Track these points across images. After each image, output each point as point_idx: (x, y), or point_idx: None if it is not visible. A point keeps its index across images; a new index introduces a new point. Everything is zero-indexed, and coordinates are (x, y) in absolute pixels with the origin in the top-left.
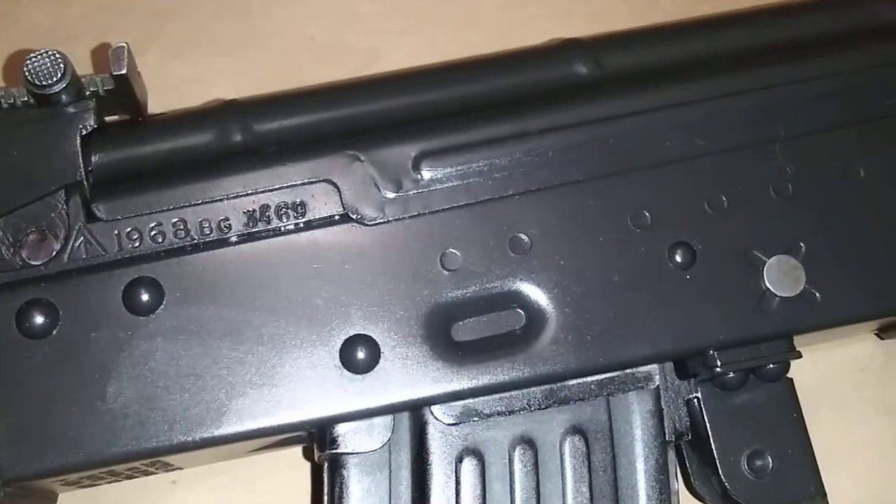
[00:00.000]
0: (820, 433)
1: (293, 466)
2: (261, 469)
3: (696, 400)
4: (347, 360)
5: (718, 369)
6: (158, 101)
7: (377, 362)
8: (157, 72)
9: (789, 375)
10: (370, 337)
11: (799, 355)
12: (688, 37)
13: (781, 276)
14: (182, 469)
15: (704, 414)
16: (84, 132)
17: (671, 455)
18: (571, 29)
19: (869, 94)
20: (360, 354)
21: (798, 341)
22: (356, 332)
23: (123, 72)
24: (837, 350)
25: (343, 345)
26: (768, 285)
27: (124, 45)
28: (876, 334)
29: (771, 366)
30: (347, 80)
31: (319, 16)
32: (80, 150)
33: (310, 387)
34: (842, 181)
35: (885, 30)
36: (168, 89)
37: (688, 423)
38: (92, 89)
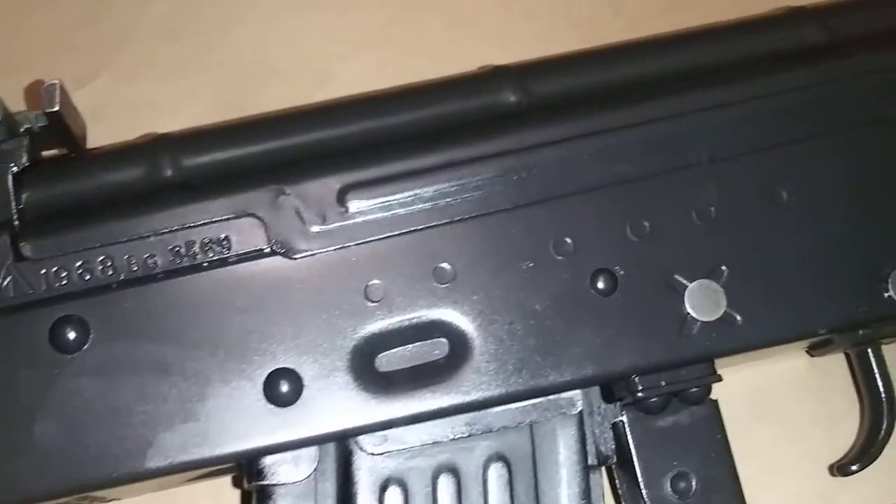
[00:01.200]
0: (759, 448)
1: (236, 493)
2: (202, 496)
3: (621, 423)
4: (271, 393)
5: (640, 394)
6: (110, 127)
7: (300, 395)
8: (109, 97)
9: (728, 392)
10: (293, 370)
11: (719, 378)
12: (615, 62)
13: (702, 301)
14: (119, 500)
15: (629, 437)
16: (16, 170)
17: (595, 479)
18: (515, 51)
19: (792, 116)
20: (284, 387)
21: (727, 361)
22: (280, 366)
23: (56, 109)
24: (777, 364)
25: (267, 378)
26: (689, 310)
27: (56, 82)
28: (807, 352)
29: (693, 389)
30: (277, 111)
31: (268, 40)
32: (11, 188)
33: (234, 420)
34: (765, 204)
35: (808, 52)
36: (119, 115)
37: (613, 447)
38: (26, 126)
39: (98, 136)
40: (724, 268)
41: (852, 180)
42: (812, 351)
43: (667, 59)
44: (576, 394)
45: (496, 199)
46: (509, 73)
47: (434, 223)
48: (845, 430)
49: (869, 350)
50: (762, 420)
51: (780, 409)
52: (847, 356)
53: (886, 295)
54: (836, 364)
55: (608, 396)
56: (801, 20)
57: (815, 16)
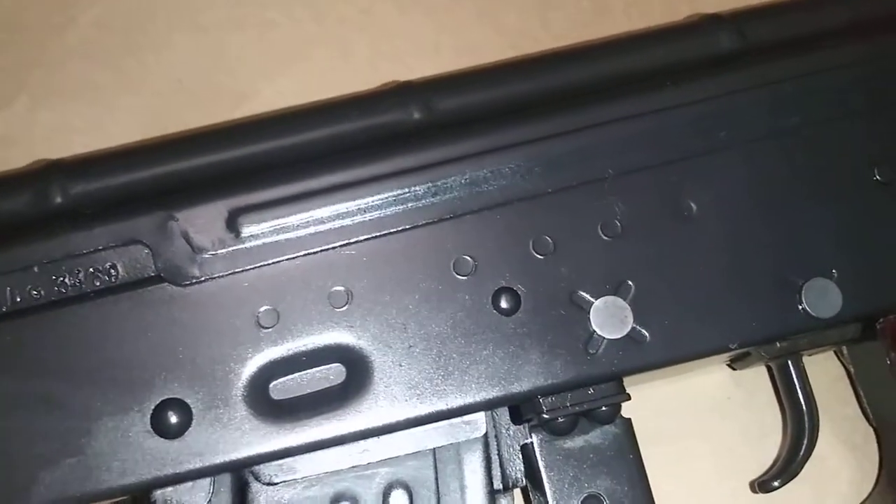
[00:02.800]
0: (683, 464)
1: None
2: None
3: (530, 445)
4: (159, 424)
5: (546, 415)
6: (26, 151)
7: (189, 426)
8: (25, 122)
9: (650, 407)
10: (182, 400)
11: (627, 398)
12: (518, 76)
13: (608, 318)
14: None
15: (538, 459)
16: None
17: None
18: (440, 65)
19: (699, 127)
20: (172, 419)
21: (644, 378)
22: (168, 396)
23: None
24: (701, 377)
25: (154, 409)
26: (595, 327)
27: None
28: (728, 365)
29: (602, 408)
30: (165, 136)
31: (188, 60)
32: None
33: (122, 454)
34: (672, 217)
35: (721, 60)
36: (36, 139)
37: (521, 470)
38: None
39: (13, 160)
40: (630, 283)
41: (762, 192)
42: (733, 364)
43: (573, 73)
44: (480, 416)
45: (394, 219)
46: (412, 89)
47: (329, 246)
48: (770, 445)
49: (789, 362)
50: (686, 435)
51: (703, 424)
52: (769, 369)
53: (801, 307)
54: (760, 376)
55: (517, 417)
56: (715, 28)
57: (729, 23)
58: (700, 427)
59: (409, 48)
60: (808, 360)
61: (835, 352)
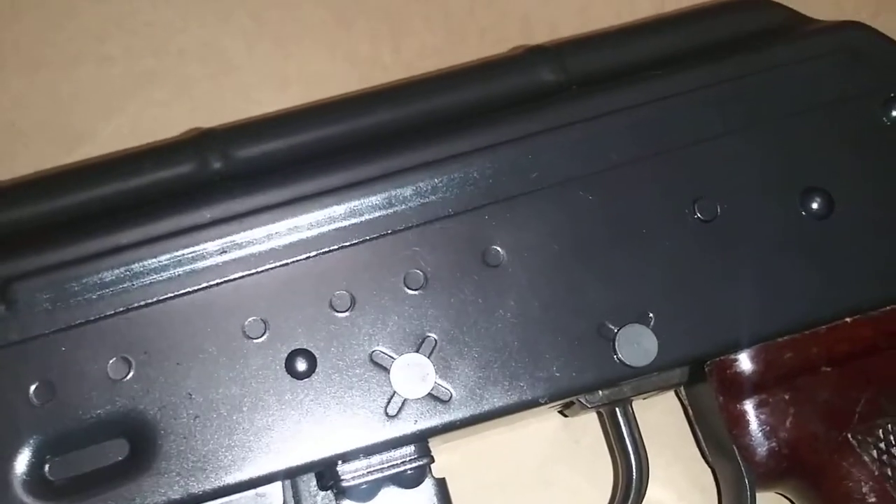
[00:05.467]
0: None
1: None
2: None
3: None
4: None
5: (344, 482)
6: None
7: None
8: None
9: (479, 457)
10: None
11: (431, 460)
12: (314, 124)
13: (409, 376)
14: None
15: None
16: None
17: None
18: (288, 96)
19: (508, 170)
20: None
21: (460, 433)
22: None
23: None
24: (531, 426)
25: None
26: (395, 387)
27: None
28: (560, 412)
29: (408, 472)
30: None
31: (22, 102)
32: None
33: None
34: (480, 266)
35: (544, 95)
36: None
37: None
38: None
39: None
40: (433, 338)
41: (575, 235)
42: (564, 411)
43: (375, 116)
44: (273, 488)
45: (172, 284)
46: (214, 136)
47: (109, 313)
48: (601, 494)
49: (617, 410)
50: (516, 486)
51: (533, 473)
52: (600, 415)
53: (615, 356)
54: (593, 423)
55: (321, 484)
56: (538, 61)
57: (551, 56)
58: (528, 476)
59: (252, 81)
60: (662, 398)
61: (675, 392)
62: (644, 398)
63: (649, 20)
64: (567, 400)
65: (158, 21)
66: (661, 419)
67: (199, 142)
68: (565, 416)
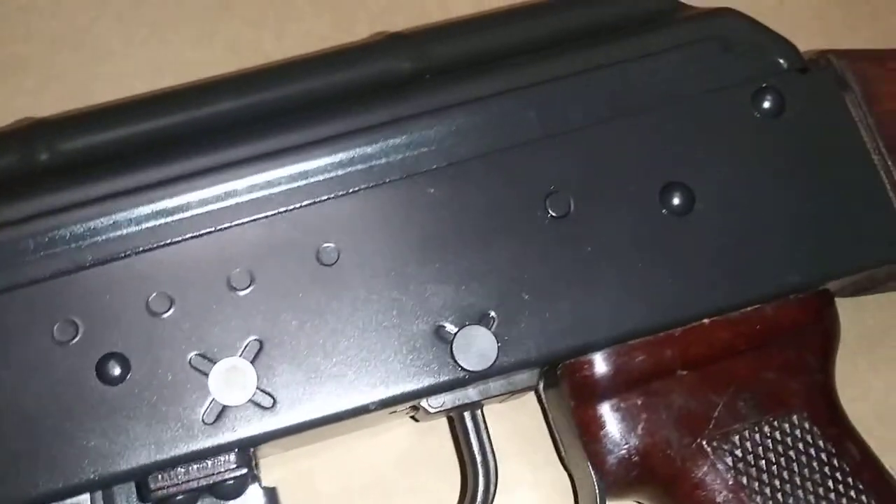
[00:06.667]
0: None
1: None
2: None
3: None
4: None
5: (156, 493)
6: None
7: None
8: None
9: (325, 467)
10: None
11: (251, 469)
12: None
13: (228, 382)
14: None
15: None
16: None
17: None
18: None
19: (342, 165)
20: None
21: (297, 441)
22: None
23: None
24: (381, 435)
25: None
26: (213, 393)
27: None
28: (411, 417)
29: (228, 482)
30: None
31: None
32: None
33: None
34: (312, 266)
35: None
36: None
37: None
38: None
39: None
40: (257, 342)
41: (415, 233)
42: (414, 416)
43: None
44: (84, 498)
45: None
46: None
47: None
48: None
49: (465, 414)
50: (378, 492)
51: (397, 479)
52: (450, 420)
53: (452, 359)
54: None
55: (142, 496)
56: (397, 48)
57: (411, 43)
58: (378, 487)
59: (129, 69)
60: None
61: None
62: (501, 401)
63: (523, 5)
64: (409, 404)
65: (31, 6)
66: (532, 421)
67: (26, 133)
68: (416, 420)
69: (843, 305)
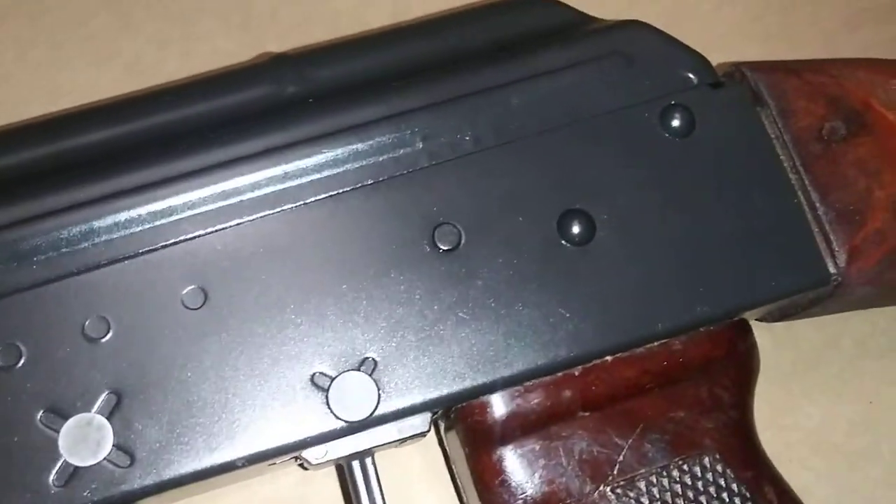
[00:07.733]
0: None
1: None
2: None
3: None
4: None
5: None
6: None
7: None
8: None
9: None
10: None
11: None
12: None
13: (80, 441)
14: None
15: None
16: None
17: None
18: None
19: (211, 199)
20: None
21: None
22: None
23: None
24: (269, 484)
25: None
26: (63, 453)
27: None
28: (300, 465)
29: None
30: None
31: None
32: None
33: None
34: (179, 309)
35: (287, 106)
36: None
37: None
38: None
39: None
40: (114, 395)
41: (284, 273)
42: (304, 464)
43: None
44: None
45: None
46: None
47: None
48: None
49: (354, 464)
50: None
51: None
52: (339, 469)
53: (328, 409)
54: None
55: None
56: (280, 71)
57: (294, 65)
58: None
59: (24, 92)
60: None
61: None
62: (397, 447)
63: (419, 22)
64: (286, 458)
65: None
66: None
67: None
68: (305, 469)
69: (775, 329)
